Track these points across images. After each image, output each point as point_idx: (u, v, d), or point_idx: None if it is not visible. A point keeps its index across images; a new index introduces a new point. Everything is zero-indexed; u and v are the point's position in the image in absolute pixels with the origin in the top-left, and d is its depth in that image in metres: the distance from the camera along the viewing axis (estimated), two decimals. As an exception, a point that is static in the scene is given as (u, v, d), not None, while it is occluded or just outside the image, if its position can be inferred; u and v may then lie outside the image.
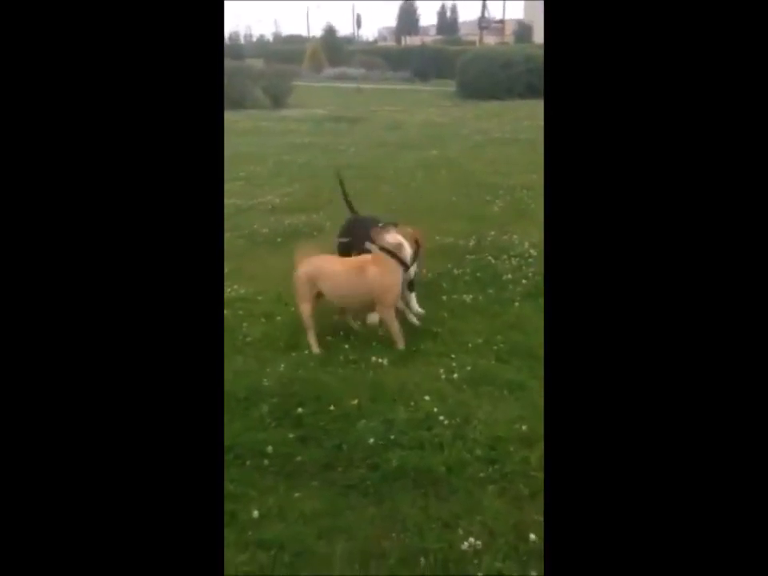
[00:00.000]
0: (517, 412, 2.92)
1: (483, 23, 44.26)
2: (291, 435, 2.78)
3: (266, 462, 2.62)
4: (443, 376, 3.29)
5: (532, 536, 2.18)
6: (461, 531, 2.23)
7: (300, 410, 2.96)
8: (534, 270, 4.71)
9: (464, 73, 22.73)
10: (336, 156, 10.20)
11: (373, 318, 3.92)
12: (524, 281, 4.56)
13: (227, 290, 4.44)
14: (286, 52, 41.32)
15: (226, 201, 6.85)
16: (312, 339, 3.66)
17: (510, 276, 4.68)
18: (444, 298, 4.34)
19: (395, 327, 3.63)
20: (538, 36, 44.77)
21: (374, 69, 35.18)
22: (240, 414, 2.93)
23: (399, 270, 3.55)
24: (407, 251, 3.56)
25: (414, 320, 3.97)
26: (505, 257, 5.09)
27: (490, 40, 45.79)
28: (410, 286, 4.08)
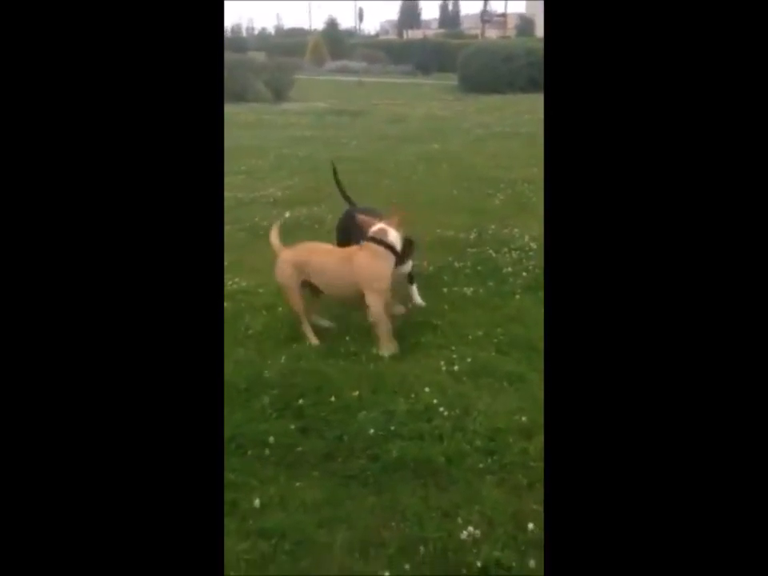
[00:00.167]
0: (516, 403, 2.94)
1: (485, 17, 44.12)
2: (292, 426, 2.80)
3: (267, 452, 2.64)
4: (443, 368, 3.30)
5: (530, 525, 2.20)
6: (460, 521, 2.25)
7: (301, 401, 2.97)
8: (535, 263, 4.72)
9: (466, 66, 22.70)
10: (337, 149, 10.20)
11: (399, 308, 3.91)
12: (524, 274, 4.57)
13: (229, 283, 4.45)
14: (288, 45, 41.28)
15: (228, 194, 6.86)
16: (307, 330, 3.65)
17: (510, 269, 4.69)
18: (445, 290, 4.36)
19: (384, 324, 3.47)
20: (540, 30, 44.57)
21: (375, 62, 35.13)
22: (241, 404, 2.95)
23: (389, 256, 3.46)
24: (393, 236, 3.47)
25: (418, 300, 4.02)
26: (505, 250, 5.11)
27: (492, 34, 45.66)
28: (410, 278, 4.08)
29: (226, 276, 4.53)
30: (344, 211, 4.39)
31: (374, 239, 3.46)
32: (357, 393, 3.03)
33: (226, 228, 5.69)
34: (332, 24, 47.94)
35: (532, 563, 2.07)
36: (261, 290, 4.34)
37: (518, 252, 5.05)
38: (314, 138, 11.48)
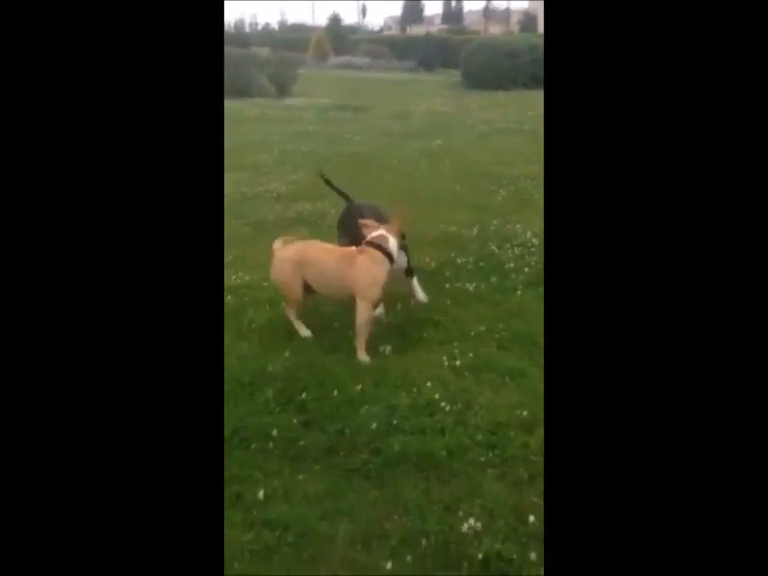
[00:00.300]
0: (517, 398, 2.96)
1: (488, 13, 43.99)
2: (295, 420, 2.82)
3: (270, 445, 2.66)
4: (445, 363, 3.32)
5: (531, 518, 2.22)
6: (461, 514, 2.27)
7: (304, 395, 3.00)
8: (537, 259, 4.74)
9: (468, 62, 22.61)
10: (340, 145, 10.22)
11: (379, 311, 3.88)
12: (526, 269, 4.59)
13: (233, 277, 4.47)
14: (292, 40, 41.09)
15: (233, 188, 6.88)
16: (298, 322, 3.65)
17: (512, 265, 4.72)
18: (447, 286, 4.38)
19: (364, 334, 3.44)
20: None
21: (378, 58, 35.02)
22: (245, 398, 2.98)
23: (386, 264, 3.45)
24: (392, 244, 3.47)
25: (421, 296, 4.04)
26: (508, 246, 5.12)
27: (495, 30, 45.58)
28: (409, 272, 4.05)
29: (230, 270, 4.55)
30: (344, 207, 4.38)
31: (374, 245, 3.45)
32: (359, 387, 3.05)
33: (231, 223, 5.71)
34: (335, 20, 47.79)
35: (533, 556, 2.08)
36: (264, 284, 4.34)
37: (520, 248, 5.06)
38: (317, 134, 11.47)
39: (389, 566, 2.07)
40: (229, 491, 2.34)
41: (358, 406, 2.92)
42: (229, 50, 17.36)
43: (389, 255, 3.46)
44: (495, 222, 5.77)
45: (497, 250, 5.04)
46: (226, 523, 2.18)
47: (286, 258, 3.59)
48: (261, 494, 2.37)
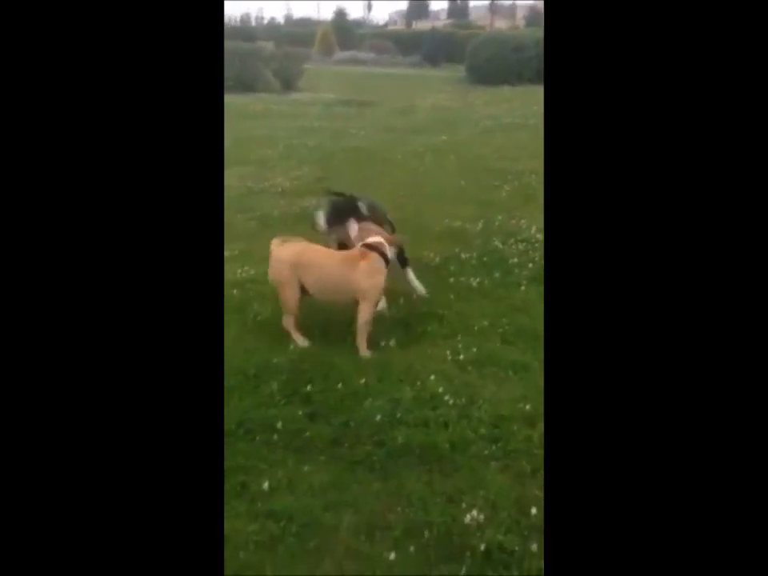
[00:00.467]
0: (520, 392, 2.99)
1: (494, 8, 43.84)
2: (300, 412, 2.85)
3: (275, 437, 2.69)
4: (449, 357, 3.35)
5: (533, 510, 2.24)
6: (464, 505, 2.30)
7: (309, 387, 3.02)
8: (540, 255, 4.75)
9: (474, 57, 22.56)
10: (345, 140, 10.24)
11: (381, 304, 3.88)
12: (530, 265, 4.61)
13: (238, 271, 4.50)
14: (297, 35, 41.01)
15: (238, 183, 6.91)
16: (296, 332, 3.58)
17: (516, 260, 4.73)
18: (451, 281, 4.40)
19: (365, 333, 3.46)
20: (550, 21, 44.20)
21: (384, 53, 34.98)
22: (250, 390, 3.00)
23: (384, 266, 3.48)
24: (388, 248, 3.51)
25: (419, 288, 4.04)
26: (512, 241, 5.14)
27: (501, 24, 45.46)
28: (403, 262, 3.98)
29: (236, 265, 4.58)
30: (330, 201, 4.09)
31: (376, 249, 3.46)
32: (363, 380, 3.08)
33: (237, 217, 5.74)
34: (341, 14, 47.82)
35: (534, 547, 2.11)
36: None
37: (524, 243, 5.08)
38: (322, 129, 11.49)
39: (392, 556, 2.09)
40: (234, 482, 2.37)
41: (362, 399, 2.94)
42: (234, 45, 17.38)
43: (387, 259, 3.49)
44: (499, 217, 5.78)
45: (501, 245, 5.06)
46: (231, 514, 2.22)
47: (283, 259, 3.53)
48: (266, 485, 2.39)
